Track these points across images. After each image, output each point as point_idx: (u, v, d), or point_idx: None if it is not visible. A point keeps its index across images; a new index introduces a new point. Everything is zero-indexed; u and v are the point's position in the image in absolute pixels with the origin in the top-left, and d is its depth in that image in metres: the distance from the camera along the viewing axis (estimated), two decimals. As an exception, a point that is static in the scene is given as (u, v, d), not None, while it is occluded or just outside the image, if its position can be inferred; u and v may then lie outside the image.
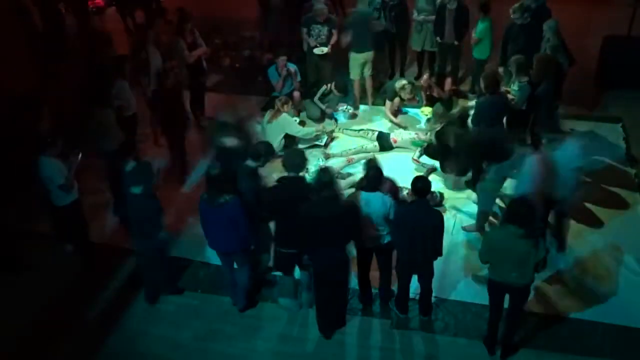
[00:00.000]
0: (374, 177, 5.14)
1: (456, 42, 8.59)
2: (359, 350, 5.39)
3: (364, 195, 5.13)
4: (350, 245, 5.21)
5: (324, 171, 5.09)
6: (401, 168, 7.35)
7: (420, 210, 5.04)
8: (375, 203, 5.08)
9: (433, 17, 8.64)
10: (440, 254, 5.28)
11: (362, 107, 9.04)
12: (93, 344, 5.54)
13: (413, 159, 7.73)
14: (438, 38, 8.70)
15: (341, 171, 7.46)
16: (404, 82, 8.38)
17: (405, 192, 6.72)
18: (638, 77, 8.66)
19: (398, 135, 8.08)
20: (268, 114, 7.94)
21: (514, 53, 7.66)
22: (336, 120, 8.68)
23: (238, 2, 11.83)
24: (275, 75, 8.26)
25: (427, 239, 5.03)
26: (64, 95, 8.25)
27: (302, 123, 8.43)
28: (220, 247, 5.41)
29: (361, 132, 8.34)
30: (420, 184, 5.06)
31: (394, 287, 5.67)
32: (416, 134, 8.13)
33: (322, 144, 8.16)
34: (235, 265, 5.56)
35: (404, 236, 5.09)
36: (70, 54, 10.46)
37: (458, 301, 5.74)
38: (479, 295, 5.76)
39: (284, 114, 7.77)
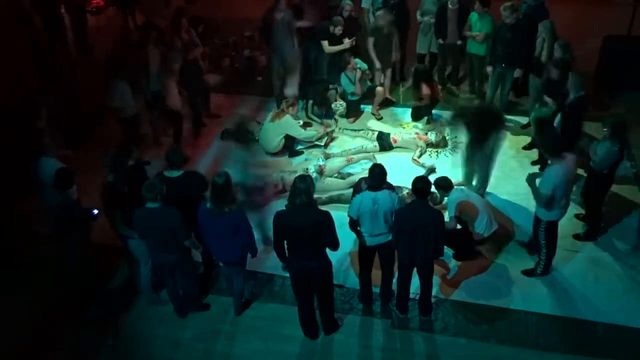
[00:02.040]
0: (378, 175, 5.16)
1: (459, 42, 8.58)
2: (359, 350, 5.39)
3: (371, 194, 5.13)
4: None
5: (301, 178, 4.92)
6: (401, 168, 7.37)
7: (420, 210, 5.05)
8: (383, 200, 5.10)
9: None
10: (442, 254, 5.28)
11: (361, 106, 9.05)
12: (93, 344, 5.54)
13: (413, 159, 7.74)
14: (440, 40, 8.69)
15: (341, 171, 7.47)
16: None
17: (405, 192, 6.73)
18: (638, 77, 8.66)
19: (398, 135, 8.09)
20: (271, 114, 7.94)
21: (503, 52, 7.76)
22: (336, 120, 8.69)
23: (238, 2, 11.84)
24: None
25: (428, 239, 5.03)
26: (64, 96, 8.27)
27: (307, 124, 8.46)
28: (222, 257, 5.39)
29: (361, 132, 8.34)
30: (420, 184, 5.07)
31: (394, 288, 5.69)
32: (416, 133, 8.15)
33: (322, 144, 8.17)
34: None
35: (404, 237, 5.09)
36: (70, 56, 10.51)
37: (458, 301, 5.75)
38: (479, 295, 5.79)
39: (288, 116, 7.76)
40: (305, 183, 4.80)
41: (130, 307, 5.88)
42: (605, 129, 5.93)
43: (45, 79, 9.19)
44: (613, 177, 6.10)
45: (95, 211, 6.06)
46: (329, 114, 8.71)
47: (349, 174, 7.37)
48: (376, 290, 5.75)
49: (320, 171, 7.37)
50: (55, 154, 5.81)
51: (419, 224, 4.99)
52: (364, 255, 5.52)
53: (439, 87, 8.90)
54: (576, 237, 6.41)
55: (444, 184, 5.98)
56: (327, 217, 4.89)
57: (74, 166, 6.08)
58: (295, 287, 5.30)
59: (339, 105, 8.92)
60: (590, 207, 6.45)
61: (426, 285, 5.44)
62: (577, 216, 6.61)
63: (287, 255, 5.05)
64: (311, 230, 4.79)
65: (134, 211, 5.14)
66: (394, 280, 5.66)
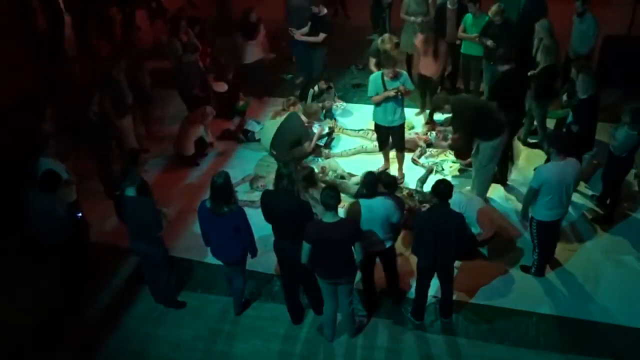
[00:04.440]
0: (370, 183, 5.18)
1: (458, 42, 8.57)
2: (359, 351, 5.39)
3: (365, 202, 5.12)
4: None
5: (285, 164, 5.14)
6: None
7: (441, 213, 4.99)
8: (377, 208, 5.09)
9: (427, 18, 8.60)
10: (463, 257, 5.32)
11: (361, 106, 9.05)
12: (93, 344, 5.54)
13: (413, 159, 7.74)
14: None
15: (343, 171, 7.47)
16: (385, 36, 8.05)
17: (404, 192, 6.72)
18: (638, 77, 8.65)
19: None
20: (272, 112, 7.93)
21: (493, 51, 7.68)
22: (336, 119, 8.68)
23: (238, 2, 11.81)
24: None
25: (449, 242, 4.98)
26: (65, 95, 8.27)
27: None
28: (222, 256, 5.40)
29: (361, 132, 8.34)
30: (443, 186, 4.99)
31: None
32: (416, 133, 8.15)
33: (322, 144, 8.16)
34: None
35: (425, 241, 5.02)
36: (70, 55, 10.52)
37: (458, 301, 5.74)
38: (479, 295, 5.79)
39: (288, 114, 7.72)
40: (287, 169, 5.03)
41: (130, 307, 5.88)
42: (624, 115, 6.03)
43: (46, 78, 9.19)
44: (632, 160, 6.23)
45: (79, 214, 6.00)
46: (328, 114, 8.71)
47: (351, 175, 7.37)
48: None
49: (322, 171, 7.38)
50: (51, 154, 5.81)
51: (440, 227, 4.94)
52: (364, 262, 5.47)
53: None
54: (594, 220, 6.56)
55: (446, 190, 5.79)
56: (305, 207, 5.03)
57: (74, 167, 6.10)
58: (280, 267, 5.42)
59: (339, 106, 8.93)
60: (609, 191, 6.57)
61: (447, 287, 5.41)
62: (592, 196, 6.84)
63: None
64: (290, 215, 4.91)
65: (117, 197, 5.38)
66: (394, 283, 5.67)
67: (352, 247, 4.81)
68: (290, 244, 5.04)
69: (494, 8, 7.76)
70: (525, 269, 6.00)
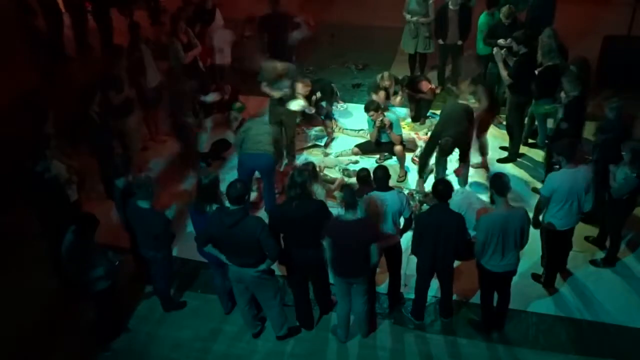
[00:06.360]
0: (382, 177, 5.20)
1: (459, 42, 8.57)
2: (360, 350, 5.40)
3: (379, 195, 5.14)
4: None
5: (300, 172, 5.04)
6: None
7: (441, 213, 5.00)
8: (392, 201, 5.11)
9: (426, 19, 8.61)
10: (462, 257, 5.28)
11: (361, 106, 9.03)
12: (93, 344, 5.53)
13: (413, 159, 7.74)
14: (440, 40, 8.66)
15: (348, 168, 7.48)
16: (384, 73, 8.15)
17: (405, 192, 6.73)
18: (638, 77, 8.65)
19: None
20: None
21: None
22: (336, 120, 8.68)
23: (239, 2, 11.81)
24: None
25: (449, 242, 4.99)
26: (65, 96, 8.28)
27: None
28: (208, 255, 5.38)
29: (361, 132, 8.34)
30: (442, 187, 5.00)
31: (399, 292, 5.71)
32: (416, 133, 8.15)
33: (322, 144, 8.16)
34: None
35: (426, 242, 5.03)
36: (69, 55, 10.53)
37: (458, 301, 5.74)
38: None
39: None
40: (302, 177, 4.92)
41: (131, 307, 5.88)
42: (624, 153, 5.55)
43: (47, 78, 9.19)
44: (634, 203, 5.76)
45: None
46: (328, 114, 8.71)
47: (355, 172, 7.36)
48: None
49: (320, 169, 7.39)
50: (52, 155, 5.82)
51: (440, 227, 4.94)
52: None
53: (438, 87, 8.89)
54: (593, 262, 6.14)
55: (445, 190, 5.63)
56: (324, 206, 5.01)
57: (75, 167, 6.10)
58: (293, 278, 5.36)
59: (339, 106, 8.93)
60: (608, 232, 6.14)
61: (447, 287, 5.41)
62: (587, 238, 6.38)
63: (283, 247, 5.11)
64: (310, 220, 4.85)
65: (127, 205, 5.30)
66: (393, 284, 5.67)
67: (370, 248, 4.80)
68: (311, 248, 5.00)
69: (504, 10, 7.77)
70: (535, 278, 5.94)
